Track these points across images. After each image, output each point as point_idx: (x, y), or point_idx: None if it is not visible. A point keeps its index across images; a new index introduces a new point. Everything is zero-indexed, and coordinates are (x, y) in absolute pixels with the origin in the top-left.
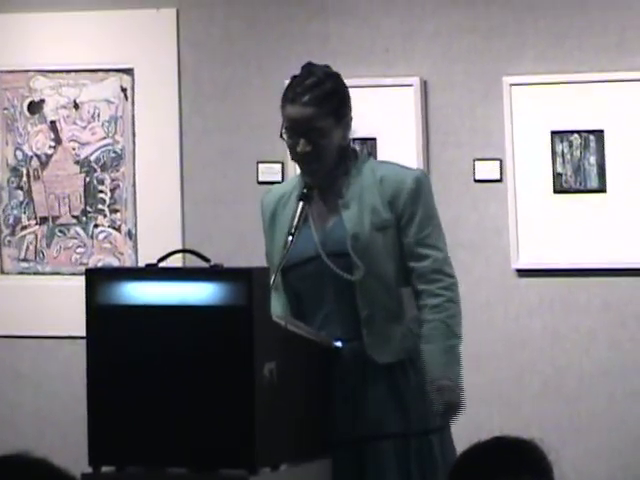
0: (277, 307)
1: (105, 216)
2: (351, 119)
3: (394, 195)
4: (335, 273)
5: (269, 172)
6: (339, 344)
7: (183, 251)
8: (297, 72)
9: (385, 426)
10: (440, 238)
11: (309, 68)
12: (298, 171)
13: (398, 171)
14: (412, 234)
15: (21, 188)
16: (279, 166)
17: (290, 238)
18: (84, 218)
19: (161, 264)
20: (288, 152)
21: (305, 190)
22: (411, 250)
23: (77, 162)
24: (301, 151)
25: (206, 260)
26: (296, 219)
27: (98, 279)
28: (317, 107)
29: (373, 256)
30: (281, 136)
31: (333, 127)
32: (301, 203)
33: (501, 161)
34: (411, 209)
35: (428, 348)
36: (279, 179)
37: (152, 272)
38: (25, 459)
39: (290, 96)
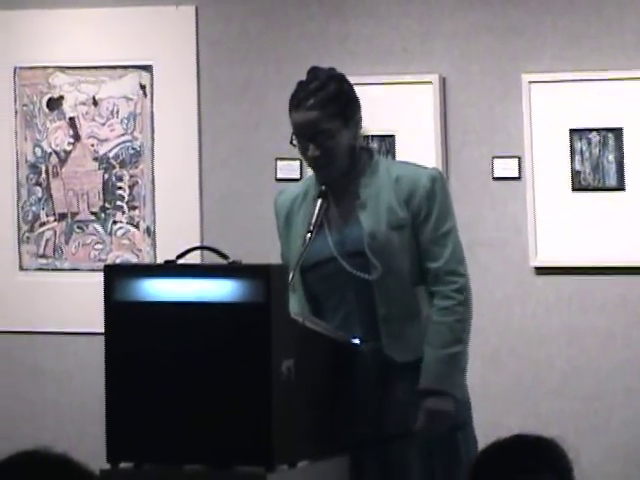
0: (295, 308)
1: (124, 213)
2: (361, 119)
3: (410, 194)
4: (354, 273)
5: (287, 169)
6: (357, 341)
7: (201, 248)
8: None
9: (409, 425)
10: (455, 237)
11: (313, 72)
12: (311, 172)
13: (414, 170)
14: (427, 232)
15: (40, 184)
16: (297, 163)
17: (309, 235)
18: (103, 215)
19: (179, 261)
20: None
21: (323, 187)
22: (426, 249)
23: (96, 159)
24: (311, 155)
25: (224, 257)
26: (315, 216)
27: (116, 276)
28: (321, 110)
29: (390, 255)
30: (291, 142)
31: (341, 128)
32: (320, 200)
33: (520, 159)
34: (427, 208)
35: (428, 351)
36: (297, 176)
37: (170, 269)
38: (46, 455)
39: (295, 102)
